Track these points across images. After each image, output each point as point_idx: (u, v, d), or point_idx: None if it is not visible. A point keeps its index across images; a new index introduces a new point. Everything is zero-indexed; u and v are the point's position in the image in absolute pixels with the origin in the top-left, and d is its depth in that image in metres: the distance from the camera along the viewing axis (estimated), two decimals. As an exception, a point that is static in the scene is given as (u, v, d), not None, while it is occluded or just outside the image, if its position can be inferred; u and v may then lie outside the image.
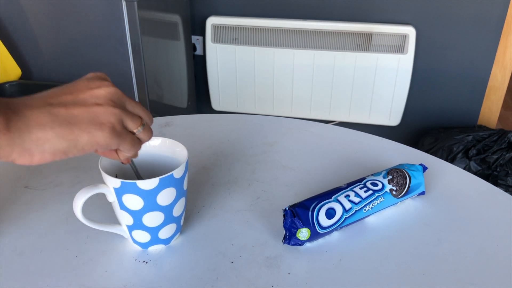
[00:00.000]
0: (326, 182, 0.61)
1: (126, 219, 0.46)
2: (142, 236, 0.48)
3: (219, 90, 1.81)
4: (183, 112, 1.74)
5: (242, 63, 1.73)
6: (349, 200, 0.51)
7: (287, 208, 0.49)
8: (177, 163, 0.47)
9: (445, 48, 1.65)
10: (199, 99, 1.95)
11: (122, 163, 0.43)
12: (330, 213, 0.49)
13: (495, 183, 1.44)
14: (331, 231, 0.51)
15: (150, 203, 0.44)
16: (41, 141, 0.34)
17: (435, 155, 1.50)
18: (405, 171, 0.56)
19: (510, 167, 1.44)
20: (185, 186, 0.47)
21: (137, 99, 1.39)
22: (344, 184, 0.54)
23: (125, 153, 0.41)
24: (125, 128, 0.39)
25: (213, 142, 0.72)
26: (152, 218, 0.46)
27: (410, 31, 1.58)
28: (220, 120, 0.80)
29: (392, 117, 1.72)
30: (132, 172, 0.49)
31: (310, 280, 0.45)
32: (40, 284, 0.45)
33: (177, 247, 0.50)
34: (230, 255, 0.49)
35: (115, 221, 0.48)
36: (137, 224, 0.46)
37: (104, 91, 0.38)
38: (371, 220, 0.54)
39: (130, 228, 0.47)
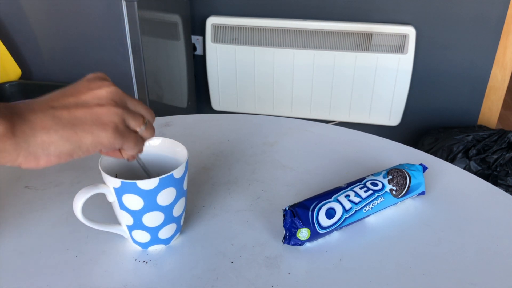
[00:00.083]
0: (326, 182, 0.61)
1: (126, 219, 0.46)
2: (142, 236, 0.48)
3: (219, 90, 1.81)
4: (183, 112, 1.74)
5: (242, 63, 1.73)
6: (349, 200, 0.51)
7: (287, 208, 0.49)
8: (177, 163, 0.47)
9: (445, 48, 1.65)
10: (199, 99, 1.95)
11: (128, 160, 0.44)
12: (330, 213, 0.49)
13: (495, 183, 1.44)
14: (331, 231, 0.51)
15: (150, 203, 0.44)
16: (46, 144, 0.34)
17: (435, 155, 1.50)
18: (405, 171, 0.56)
19: (510, 167, 1.44)
20: (185, 186, 0.47)
21: (137, 99, 1.39)
22: (344, 184, 0.54)
23: (128, 152, 0.41)
24: (127, 127, 0.39)
25: (213, 142, 0.72)
26: (152, 218, 0.46)
27: (410, 31, 1.58)
28: (220, 120, 0.80)
29: (392, 117, 1.72)
30: (132, 172, 0.49)
31: (310, 280, 0.45)
32: (40, 284, 0.45)
33: (177, 247, 0.50)
34: (230, 255, 0.49)
35: (115, 221, 0.48)
36: (137, 224, 0.46)
37: (105, 91, 0.38)
38: (371, 220, 0.54)
39: (130, 228, 0.47)
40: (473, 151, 1.49)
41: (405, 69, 1.62)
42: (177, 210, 0.48)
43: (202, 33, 1.79)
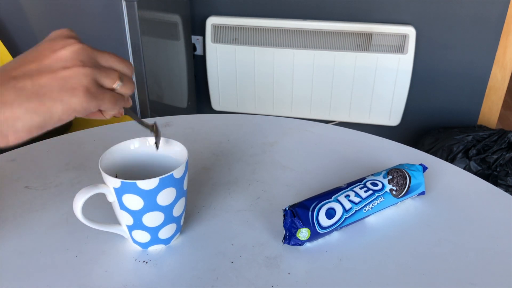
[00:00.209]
0: (326, 182, 0.61)
1: (126, 219, 0.46)
2: (142, 236, 0.48)
3: (219, 90, 1.81)
4: (183, 112, 1.74)
5: (242, 63, 1.73)
6: (349, 200, 0.51)
7: (287, 208, 0.49)
8: (177, 163, 0.47)
9: (445, 48, 1.65)
10: (199, 99, 1.95)
11: (117, 117, 0.41)
12: (330, 213, 0.49)
13: (495, 183, 1.44)
14: (331, 231, 0.51)
15: (150, 203, 0.44)
16: (11, 120, 0.32)
17: (435, 155, 1.50)
18: (405, 171, 0.56)
19: (510, 167, 1.44)
20: (185, 186, 0.47)
21: (137, 99, 1.39)
22: (344, 184, 0.54)
23: (109, 112, 0.38)
24: (101, 86, 0.36)
25: (213, 142, 0.72)
26: (152, 218, 0.46)
27: (410, 31, 1.58)
28: (220, 120, 0.80)
29: (392, 117, 1.72)
30: (132, 172, 0.49)
31: (310, 280, 0.45)
32: (40, 284, 0.45)
33: (177, 247, 0.50)
34: (230, 255, 0.49)
35: (115, 221, 0.48)
36: (137, 224, 0.46)
37: (69, 51, 0.35)
38: (371, 220, 0.54)
39: (130, 228, 0.47)
40: (473, 151, 1.49)
41: (405, 69, 1.62)
42: (177, 210, 0.48)
43: (202, 33, 1.79)
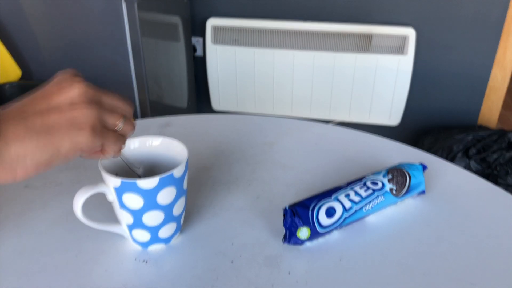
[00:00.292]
0: (326, 182, 0.61)
1: (126, 219, 0.46)
2: (142, 236, 0.48)
3: (219, 91, 1.81)
4: (183, 112, 1.74)
5: (242, 64, 1.73)
6: (349, 199, 0.51)
7: (287, 207, 0.49)
8: (177, 163, 0.47)
9: (445, 48, 1.65)
10: (199, 100, 1.95)
11: (113, 157, 0.43)
12: (330, 212, 0.49)
13: (495, 183, 1.44)
14: (331, 230, 0.50)
15: (150, 202, 0.44)
16: (22, 156, 0.33)
17: (435, 154, 1.50)
18: (405, 170, 0.56)
19: (510, 166, 1.44)
20: (185, 186, 0.47)
21: (137, 99, 1.39)
22: (344, 183, 0.54)
23: (110, 150, 0.40)
24: (105, 126, 0.38)
25: (213, 142, 0.72)
26: (152, 218, 0.46)
27: (410, 32, 1.58)
28: (220, 120, 0.80)
29: (392, 117, 1.72)
30: (132, 172, 0.49)
31: (310, 280, 0.45)
32: (40, 284, 0.45)
33: (177, 246, 0.50)
34: (230, 255, 0.48)
35: (115, 221, 0.48)
36: (137, 224, 0.46)
37: (77, 91, 0.36)
38: (371, 219, 0.54)
39: (130, 228, 0.47)
40: (473, 151, 1.49)
41: (405, 70, 1.62)
42: (177, 210, 0.48)
43: (202, 34, 1.79)
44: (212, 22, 1.69)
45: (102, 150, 0.40)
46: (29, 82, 1.39)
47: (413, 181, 0.56)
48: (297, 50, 1.66)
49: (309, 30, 1.64)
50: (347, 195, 0.51)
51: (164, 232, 0.48)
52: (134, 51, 1.31)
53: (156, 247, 0.49)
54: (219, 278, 0.45)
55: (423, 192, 0.58)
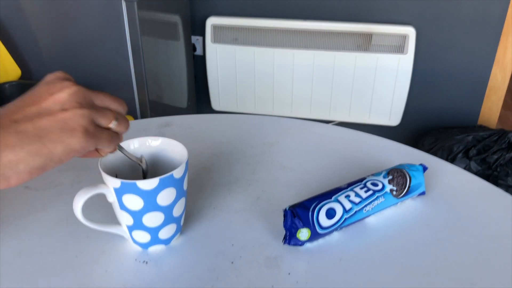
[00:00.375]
0: (326, 182, 0.61)
1: (126, 219, 0.46)
2: (142, 236, 0.48)
3: (219, 90, 1.81)
4: (183, 112, 1.74)
5: (242, 63, 1.73)
6: (349, 200, 0.51)
7: (287, 208, 0.49)
8: (177, 163, 0.47)
9: (445, 48, 1.65)
10: (199, 99, 1.95)
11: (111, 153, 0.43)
12: (330, 213, 0.49)
13: (495, 183, 1.44)
14: (331, 231, 0.50)
15: (150, 203, 0.44)
16: (14, 163, 0.33)
17: (435, 155, 1.50)
18: (405, 171, 0.56)
19: (510, 167, 1.44)
20: (185, 186, 0.47)
21: (136, 99, 1.39)
22: (344, 184, 0.54)
23: (105, 149, 0.40)
24: (98, 126, 0.38)
25: (213, 142, 0.72)
26: (152, 218, 0.46)
27: (410, 31, 1.58)
28: (220, 120, 0.80)
29: (392, 117, 1.72)
30: (132, 172, 0.49)
31: (310, 280, 0.45)
32: (40, 284, 0.45)
33: (177, 247, 0.50)
34: (230, 255, 0.48)
35: (115, 222, 0.48)
36: (137, 224, 0.46)
37: (66, 93, 0.36)
38: (371, 220, 0.54)
39: (130, 228, 0.47)
40: (473, 151, 1.49)
41: (405, 69, 1.62)
42: (177, 210, 0.48)
43: (202, 33, 1.79)
44: (212, 21, 1.69)
45: (98, 149, 0.40)
46: (28, 82, 1.39)
47: (413, 182, 0.56)
48: (297, 49, 1.66)
49: (309, 29, 1.64)
50: (347, 196, 0.51)
51: (164, 233, 0.48)
52: (134, 50, 1.31)
53: (156, 248, 0.49)
54: (219, 278, 0.45)
55: (423, 193, 0.58)
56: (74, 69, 1.39)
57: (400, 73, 1.63)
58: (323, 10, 1.67)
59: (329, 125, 0.79)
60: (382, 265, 0.48)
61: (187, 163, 0.47)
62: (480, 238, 0.51)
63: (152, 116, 1.43)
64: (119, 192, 0.44)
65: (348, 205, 0.51)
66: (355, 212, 0.51)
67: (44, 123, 0.34)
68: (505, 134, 1.50)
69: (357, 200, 0.51)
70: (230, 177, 0.63)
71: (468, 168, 1.48)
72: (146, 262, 0.48)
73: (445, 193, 0.60)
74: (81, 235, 0.51)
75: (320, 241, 0.51)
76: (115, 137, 0.40)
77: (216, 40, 1.71)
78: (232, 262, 0.48)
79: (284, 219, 0.49)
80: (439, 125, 1.76)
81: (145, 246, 0.49)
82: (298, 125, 0.78)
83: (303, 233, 0.48)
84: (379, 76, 1.65)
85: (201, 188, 0.60)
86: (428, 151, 1.57)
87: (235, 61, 1.73)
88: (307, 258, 0.48)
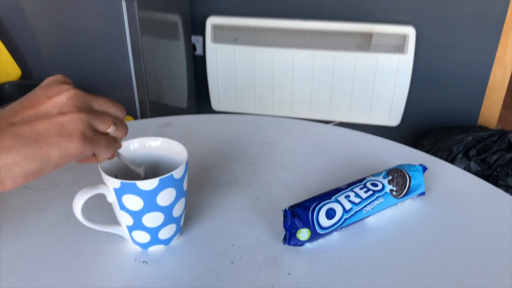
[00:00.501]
0: (326, 183, 0.61)
1: (126, 220, 0.46)
2: (142, 237, 0.48)
3: (219, 90, 1.81)
4: (183, 112, 1.74)
5: (242, 63, 1.73)
6: (349, 201, 0.51)
7: (287, 209, 0.49)
8: (177, 164, 0.47)
9: (445, 48, 1.65)
10: (199, 99, 1.95)
11: (109, 159, 0.42)
12: (330, 214, 0.49)
13: (495, 184, 1.44)
14: (331, 232, 0.50)
15: (150, 203, 0.44)
16: (10, 166, 0.32)
17: (435, 155, 1.50)
18: (405, 171, 0.56)
19: (510, 167, 1.44)
20: (185, 187, 0.47)
21: (136, 99, 1.39)
22: (344, 185, 0.54)
23: (103, 155, 0.39)
24: (96, 131, 0.37)
25: (213, 142, 0.72)
26: (152, 219, 0.46)
27: (410, 31, 1.58)
28: (220, 120, 0.80)
29: (392, 117, 1.72)
30: (132, 172, 0.49)
31: (310, 280, 0.45)
32: (40, 284, 0.45)
33: (177, 247, 0.50)
34: (230, 255, 0.49)
35: (115, 222, 0.48)
36: (137, 225, 0.46)
37: (65, 97, 0.35)
38: (371, 220, 0.54)
39: (130, 229, 0.47)
40: (473, 152, 1.49)
41: (405, 69, 1.62)
42: (177, 211, 0.48)
43: (202, 33, 1.79)
44: (212, 21, 1.69)
45: (95, 154, 0.40)
46: (29, 82, 1.39)
47: (413, 182, 0.56)
48: (297, 49, 1.66)
49: (309, 29, 1.64)
50: (347, 197, 0.51)
51: (164, 233, 0.48)
52: (134, 50, 1.31)
53: (156, 248, 0.49)
54: (219, 278, 0.45)
55: (423, 194, 0.58)
56: (74, 69, 1.39)
57: (400, 73, 1.63)
58: (323, 10, 1.67)
59: (329, 125, 0.79)
60: (382, 265, 0.48)
61: (187, 164, 0.47)
62: (480, 238, 0.51)
63: (152, 116, 1.43)
64: (119, 193, 0.44)
65: (348, 206, 0.51)
66: (355, 212, 0.51)
67: (41, 126, 0.34)
68: (505, 135, 1.50)
69: (357, 200, 0.51)
70: (230, 177, 0.63)
71: (468, 169, 1.48)
72: (146, 262, 0.48)
73: (445, 193, 0.60)
74: (81, 235, 0.51)
75: (320, 241, 0.51)
76: (113, 143, 0.39)
77: (216, 40, 1.71)
78: (232, 262, 0.48)
79: (284, 219, 0.49)
80: (439, 125, 1.76)
81: (145, 246, 0.49)
82: (298, 125, 0.78)
83: (303, 233, 0.48)
84: (379, 76, 1.65)
85: (201, 188, 0.60)
86: (428, 151, 1.57)
87: (235, 61, 1.73)
88: (307, 258, 0.48)
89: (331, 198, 0.51)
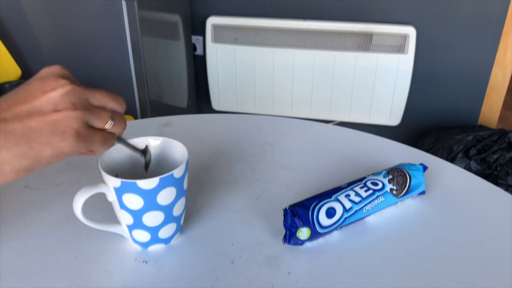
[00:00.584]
0: (326, 182, 0.61)
1: (126, 219, 0.46)
2: (142, 236, 0.48)
3: (219, 90, 1.81)
4: (183, 112, 1.74)
5: (242, 63, 1.73)
6: (349, 200, 0.51)
7: (287, 208, 0.49)
8: (177, 163, 0.47)
9: (445, 48, 1.65)
10: (199, 99, 1.95)
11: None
12: (330, 213, 0.49)
13: (495, 183, 1.44)
14: (331, 231, 0.50)
15: (150, 202, 0.44)
16: (1, 163, 0.32)
17: (435, 155, 1.50)
18: (406, 170, 0.56)
19: (510, 166, 1.44)
20: (185, 186, 0.47)
21: (137, 98, 1.39)
22: (344, 184, 0.54)
23: (99, 150, 0.38)
24: (92, 127, 0.36)
25: (213, 142, 0.72)
26: (152, 218, 0.46)
27: (410, 31, 1.58)
28: (220, 120, 0.80)
29: (392, 117, 1.72)
30: (132, 171, 0.49)
31: (310, 280, 0.45)
32: (40, 284, 0.45)
33: (177, 246, 0.50)
34: (230, 255, 0.48)
35: (115, 221, 0.48)
36: (137, 224, 0.46)
37: (60, 93, 0.34)
38: (371, 219, 0.54)
39: (130, 228, 0.47)
40: (473, 151, 1.49)
41: (405, 69, 1.62)
42: (177, 210, 0.48)
43: (202, 33, 1.79)
44: (212, 21, 1.69)
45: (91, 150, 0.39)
46: (29, 81, 1.39)
47: (413, 181, 0.56)
48: (297, 49, 1.66)
49: (309, 29, 1.64)
50: (347, 196, 0.51)
51: (164, 233, 0.48)
52: (134, 50, 1.31)
53: (156, 247, 0.49)
54: (219, 278, 0.45)
55: (423, 193, 0.58)
56: (74, 69, 1.38)
57: (400, 73, 1.63)
58: (323, 10, 1.67)
59: (329, 125, 0.79)
60: (382, 264, 0.48)
61: (187, 163, 0.47)
62: (480, 238, 0.51)
63: (152, 115, 1.43)
64: (119, 192, 0.44)
65: (348, 205, 0.51)
66: (355, 211, 0.51)
67: (34, 124, 0.33)
68: (505, 134, 1.50)
69: (357, 199, 0.51)
70: (230, 176, 0.63)
71: (468, 168, 1.48)
72: (146, 262, 0.48)
73: (445, 192, 0.60)
74: (81, 235, 0.51)
75: (320, 240, 0.51)
76: (109, 138, 0.38)
77: (216, 40, 1.71)
78: (232, 262, 0.48)
79: (284, 219, 0.49)
80: (439, 125, 1.76)
81: (145, 245, 0.49)
82: (298, 125, 0.78)
83: (303, 233, 0.48)
84: (379, 76, 1.65)
85: (201, 187, 0.60)
86: (428, 151, 1.57)
87: (235, 61, 1.73)
88: (307, 257, 0.48)
89: (331, 197, 0.51)
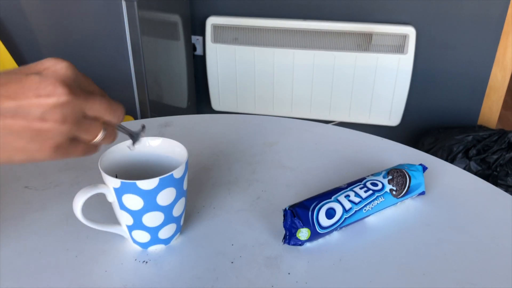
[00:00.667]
0: (326, 182, 0.61)
1: (126, 219, 0.46)
2: (142, 236, 0.48)
3: (219, 90, 1.81)
4: (183, 112, 1.74)
5: (242, 63, 1.73)
6: (349, 200, 0.51)
7: (287, 208, 0.49)
8: (177, 163, 0.47)
9: (445, 48, 1.65)
10: (199, 99, 1.95)
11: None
12: (330, 213, 0.49)
13: (495, 183, 1.44)
14: (331, 231, 0.50)
15: (150, 203, 0.44)
16: None
17: (435, 155, 1.50)
18: (405, 171, 0.56)
19: (510, 167, 1.44)
20: (185, 186, 0.47)
21: (136, 99, 1.39)
22: (344, 184, 0.54)
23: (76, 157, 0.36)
24: (76, 139, 0.34)
25: (213, 142, 0.72)
26: (152, 218, 0.46)
27: (410, 31, 1.58)
28: (220, 120, 0.80)
29: (392, 117, 1.72)
30: (132, 172, 0.49)
31: (310, 280, 0.45)
32: (40, 284, 0.45)
33: (177, 247, 0.50)
34: (230, 255, 0.49)
35: (115, 221, 0.48)
36: (137, 224, 0.46)
37: (53, 102, 0.31)
38: (371, 220, 0.54)
39: (130, 228, 0.47)
40: (473, 151, 1.49)
41: (405, 69, 1.62)
42: (177, 210, 0.48)
43: (202, 33, 1.79)
44: (212, 21, 1.69)
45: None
46: (29, 81, 1.39)
47: (413, 182, 0.56)
48: (297, 49, 1.66)
49: (309, 29, 1.64)
50: (347, 196, 0.51)
51: (164, 233, 0.48)
52: (134, 50, 1.31)
53: (156, 248, 0.49)
54: (219, 278, 0.45)
55: (423, 193, 0.58)
56: (74, 69, 1.38)
57: (400, 73, 1.63)
58: (323, 10, 1.67)
59: (329, 125, 0.79)
60: (382, 265, 0.48)
61: (187, 163, 0.47)
62: (480, 238, 0.51)
63: (152, 116, 1.43)
64: (119, 192, 0.44)
65: (348, 205, 0.51)
66: (355, 212, 0.51)
67: (15, 127, 0.31)
68: (505, 134, 1.50)
69: (357, 200, 0.51)
70: (230, 177, 0.63)
71: (468, 168, 1.48)
72: (146, 262, 0.48)
73: (445, 193, 0.60)
74: (81, 235, 0.51)
75: (320, 241, 0.51)
76: (91, 150, 0.37)
77: (216, 40, 1.71)
78: (232, 262, 0.48)
79: (284, 219, 0.49)
80: (439, 125, 1.76)
81: (145, 246, 0.49)
82: (298, 125, 0.78)
83: (303, 233, 0.48)
84: (379, 76, 1.65)
85: (201, 188, 0.60)
86: (428, 151, 1.57)
87: (235, 61, 1.73)
88: (307, 258, 0.48)
89: (331, 198, 0.51)
